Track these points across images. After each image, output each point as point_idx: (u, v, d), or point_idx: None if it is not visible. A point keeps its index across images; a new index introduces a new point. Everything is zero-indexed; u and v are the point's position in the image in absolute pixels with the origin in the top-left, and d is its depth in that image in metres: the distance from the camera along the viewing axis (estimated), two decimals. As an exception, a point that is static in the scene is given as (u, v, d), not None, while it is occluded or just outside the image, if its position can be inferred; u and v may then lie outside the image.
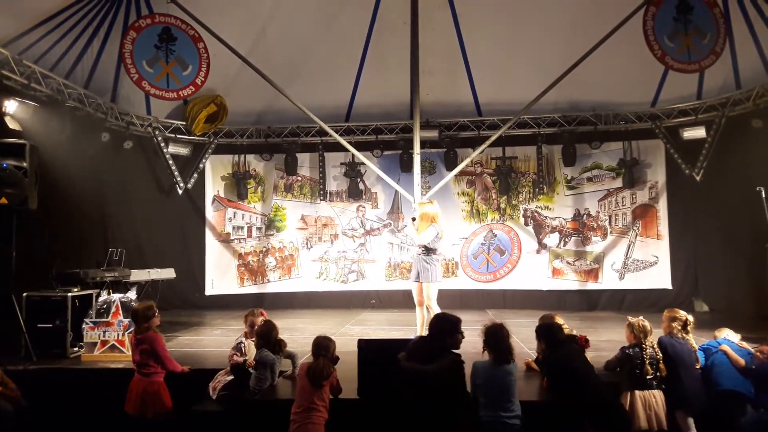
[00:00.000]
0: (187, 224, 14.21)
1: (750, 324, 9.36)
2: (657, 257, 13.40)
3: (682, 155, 12.87)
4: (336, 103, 13.59)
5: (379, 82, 13.16)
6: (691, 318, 6.06)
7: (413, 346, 5.21)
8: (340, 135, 12.15)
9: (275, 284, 14.42)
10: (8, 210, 7.88)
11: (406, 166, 13.25)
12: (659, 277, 13.31)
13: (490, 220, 14.17)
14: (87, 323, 7.71)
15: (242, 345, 6.37)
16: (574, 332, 6.25)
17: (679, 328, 5.94)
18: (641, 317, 5.94)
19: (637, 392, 5.63)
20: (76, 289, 8.20)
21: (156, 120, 13.18)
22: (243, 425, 5.65)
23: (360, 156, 12.05)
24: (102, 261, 10.14)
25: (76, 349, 7.91)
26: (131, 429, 5.92)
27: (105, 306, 7.83)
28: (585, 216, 13.84)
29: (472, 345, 6.17)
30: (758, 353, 5.91)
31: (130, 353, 6.74)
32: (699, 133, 12.57)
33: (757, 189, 8.98)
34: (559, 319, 6.31)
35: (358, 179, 14.08)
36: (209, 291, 14.13)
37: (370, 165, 12.06)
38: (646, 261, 13.47)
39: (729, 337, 6.32)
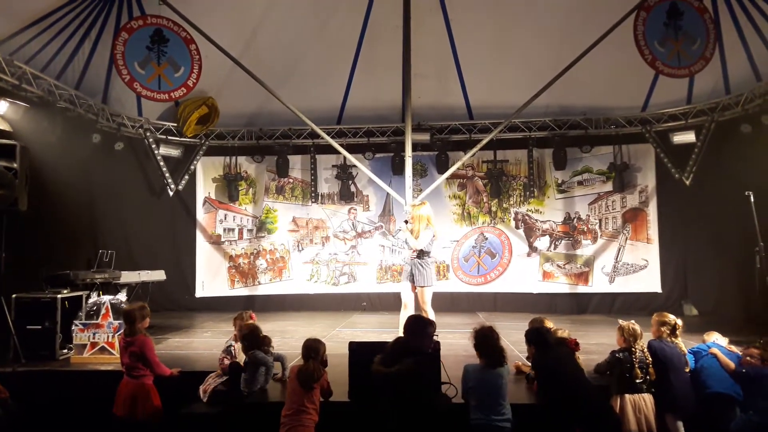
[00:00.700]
0: (177, 226, 14.17)
1: (738, 327, 9.40)
2: (647, 261, 13.47)
3: (672, 159, 12.94)
4: (328, 105, 13.60)
5: (371, 85, 13.18)
6: (680, 322, 6.08)
7: (387, 349, 5.19)
8: (332, 137, 12.14)
9: (266, 286, 14.39)
10: (-2, 211, 7.86)
11: (398, 169, 13.27)
12: (649, 281, 13.38)
13: (481, 223, 14.20)
14: (77, 325, 7.68)
15: (232, 348, 6.36)
16: (566, 333, 6.27)
17: (668, 332, 5.97)
18: (632, 321, 5.97)
19: (627, 396, 5.65)
20: (65, 291, 8.18)
21: (147, 121, 13.14)
22: (233, 428, 5.63)
23: (352, 158, 12.05)
24: (92, 262, 10.12)
25: (66, 350, 7.88)
26: (120, 431, 5.89)
27: (95, 308, 7.82)
28: (575, 219, 13.89)
29: (463, 348, 6.20)
30: (746, 356, 5.95)
31: (119, 355, 6.72)
32: (689, 137, 12.63)
33: (746, 193, 9.05)
34: (549, 323, 6.35)
35: (350, 182, 14.08)
36: (200, 293, 14.09)
37: (362, 167, 12.07)
38: (636, 264, 13.53)
39: (718, 341, 6.35)
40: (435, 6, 11.99)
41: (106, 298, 8.00)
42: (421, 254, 8.22)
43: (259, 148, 14.16)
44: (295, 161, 14.39)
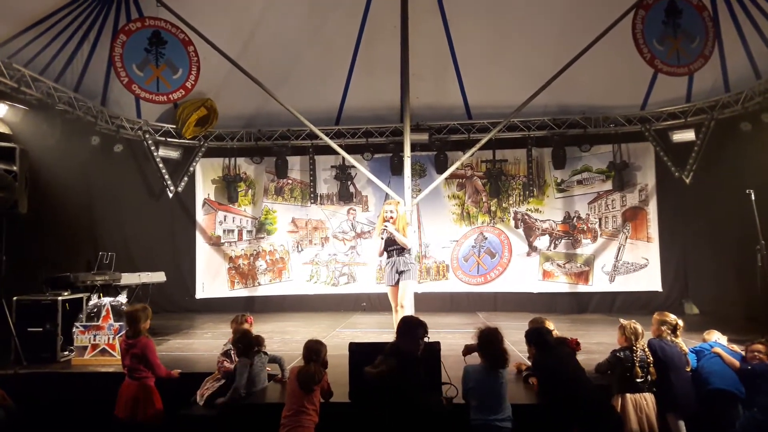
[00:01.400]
0: (177, 228, 14.17)
1: (739, 326, 9.41)
2: (647, 260, 13.47)
3: (672, 158, 12.94)
4: (326, 106, 13.61)
5: (369, 86, 13.19)
6: (681, 322, 6.08)
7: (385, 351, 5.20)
8: (331, 138, 12.14)
9: (266, 287, 14.39)
10: (-2, 214, 7.85)
11: (397, 169, 13.27)
12: (649, 280, 13.38)
13: (480, 222, 14.19)
14: (77, 327, 7.68)
15: (231, 351, 6.34)
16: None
17: (669, 331, 5.97)
18: (633, 320, 5.96)
19: (627, 395, 5.64)
20: (66, 293, 8.17)
21: (146, 123, 13.14)
22: (233, 429, 5.63)
23: (350, 159, 12.05)
24: (92, 264, 10.11)
25: (67, 353, 7.88)
26: (121, 433, 5.90)
27: (95, 310, 7.82)
28: (575, 219, 13.89)
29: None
30: (751, 352, 5.95)
31: (120, 357, 6.72)
32: (688, 136, 12.64)
33: (747, 191, 9.03)
34: (549, 324, 6.33)
35: (349, 182, 14.08)
36: (200, 294, 14.09)
37: (361, 168, 12.07)
38: (636, 263, 13.53)
39: (719, 341, 6.36)
40: (433, 6, 12.00)
41: (107, 300, 7.99)
42: (404, 251, 8.12)
43: (257, 149, 14.16)
44: (294, 162, 14.39)
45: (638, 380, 5.65)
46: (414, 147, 11.86)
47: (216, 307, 13.75)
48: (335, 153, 12.27)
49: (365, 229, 14.34)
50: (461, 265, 14.11)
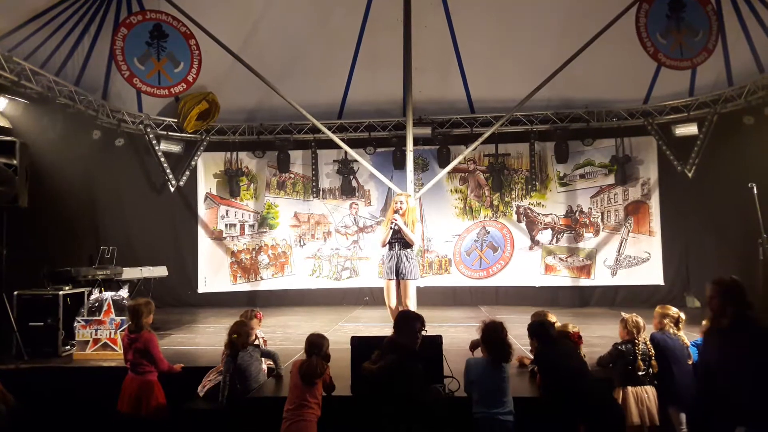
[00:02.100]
0: (179, 222, 14.17)
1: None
2: (649, 253, 13.45)
3: (675, 152, 12.89)
4: (329, 100, 13.58)
5: (371, 80, 13.15)
6: (682, 314, 6.07)
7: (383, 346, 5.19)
8: (333, 132, 12.11)
9: (268, 282, 14.39)
10: (-1, 208, 7.85)
11: (399, 164, 13.25)
12: (651, 274, 13.36)
13: (482, 217, 14.18)
14: (79, 321, 7.69)
15: None
16: (570, 326, 6.24)
17: (671, 324, 5.95)
18: (635, 314, 5.95)
19: (629, 388, 5.64)
20: (67, 288, 8.18)
21: (147, 117, 13.12)
22: (235, 423, 5.62)
23: (353, 153, 12.03)
24: (94, 259, 10.12)
25: (68, 347, 7.89)
26: (125, 427, 5.89)
27: (97, 304, 7.81)
28: (577, 213, 13.87)
29: (466, 342, 6.16)
30: None
31: (122, 351, 6.72)
32: (691, 129, 12.59)
33: (749, 185, 9.02)
34: (552, 317, 6.31)
35: (351, 176, 14.06)
36: (202, 289, 14.10)
37: (363, 162, 12.05)
38: (638, 257, 13.52)
39: None
40: (436, -1, 11.97)
41: (108, 295, 7.98)
42: (406, 246, 8.04)
43: (259, 143, 14.13)
44: (296, 156, 14.37)
45: (640, 373, 5.65)
46: (416, 141, 11.82)
47: (218, 301, 13.76)
48: (337, 147, 12.24)
49: (368, 223, 14.32)
50: (464, 259, 14.10)
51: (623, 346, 5.78)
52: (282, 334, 9.44)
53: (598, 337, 8.36)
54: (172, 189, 13.63)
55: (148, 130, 13.15)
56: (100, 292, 8.49)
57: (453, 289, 14.01)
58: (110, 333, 7.63)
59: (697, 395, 4.53)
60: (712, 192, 12.46)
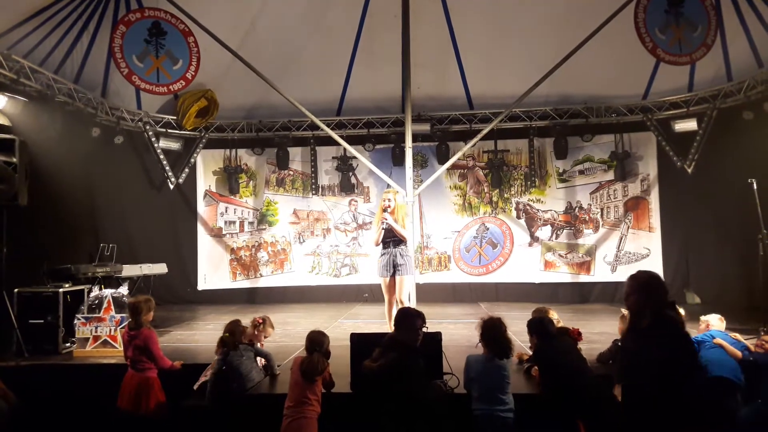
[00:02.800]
0: (178, 219, 14.17)
1: (741, 315, 9.40)
2: (649, 249, 13.46)
3: (674, 148, 12.90)
4: (327, 97, 13.57)
5: (370, 76, 13.13)
6: (682, 311, 6.05)
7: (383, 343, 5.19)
8: (332, 129, 12.10)
9: (268, 279, 14.40)
10: (-2, 206, 7.85)
11: (398, 160, 13.26)
12: (651, 270, 13.28)
13: (482, 213, 14.18)
14: (79, 319, 7.70)
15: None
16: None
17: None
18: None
19: (629, 384, 5.64)
20: (67, 285, 8.18)
21: (147, 115, 13.11)
22: (235, 420, 5.63)
23: (352, 150, 12.02)
24: (93, 256, 10.12)
25: (68, 344, 7.90)
26: (125, 424, 5.90)
27: (97, 301, 7.81)
28: (577, 209, 13.87)
29: (465, 338, 6.18)
30: (760, 344, 5.95)
31: (122, 349, 6.72)
32: (690, 125, 12.59)
33: (749, 181, 9.00)
34: (553, 314, 6.32)
35: (350, 173, 14.06)
36: (201, 286, 14.11)
37: (362, 159, 12.04)
38: (638, 253, 13.52)
39: (711, 322, 6.37)
40: (434, -5, 11.95)
41: (108, 292, 7.99)
42: (400, 243, 8.04)
43: (258, 140, 14.13)
44: (295, 153, 14.37)
45: (640, 370, 5.64)
46: (415, 137, 11.80)
47: (218, 298, 13.79)
48: (336, 144, 12.22)
49: (367, 220, 14.32)
50: (463, 255, 14.11)
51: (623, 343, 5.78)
52: (281, 331, 9.43)
53: (597, 333, 8.38)
54: (172, 186, 13.64)
55: (147, 127, 13.14)
56: (100, 289, 8.50)
57: (452, 285, 14.02)
58: (110, 330, 7.64)
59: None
60: (711, 188, 12.46)
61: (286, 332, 9.37)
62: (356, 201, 14.42)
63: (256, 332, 6.54)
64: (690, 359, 3.85)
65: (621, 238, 13.64)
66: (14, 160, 7.95)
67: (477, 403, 4.99)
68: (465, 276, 14.09)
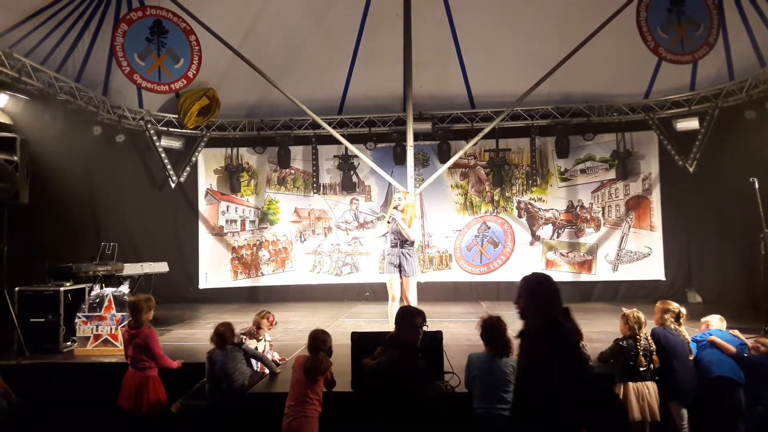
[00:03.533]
0: (180, 218, 14.17)
1: (743, 314, 9.39)
2: (650, 248, 13.44)
3: (676, 147, 12.87)
4: (329, 95, 13.57)
5: (371, 75, 13.14)
6: (683, 310, 6.05)
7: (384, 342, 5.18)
8: (333, 128, 12.11)
9: (269, 277, 14.40)
10: (-1, 204, 7.85)
11: (400, 159, 13.24)
12: (652, 269, 13.35)
13: (483, 212, 14.17)
14: (80, 317, 7.71)
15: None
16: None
17: (672, 319, 5.94)
18: (636, 309, 5.94)
19: (630, 384, 5.65)
20: (68, 284, 8.19)
21: (148, 113, 13.12)
22: (236, 418, 5.63)
23: (353, 149, 11.99)
24: (94, 255, 10.11)
25: (69, 343, 7.91)
26: (125, 423, 5.89)
27: (98, 300, 7.82)
28: (578, 208, 13.86)
29: (466, 337, 6.17)
30: (758, 346, 5.94)
31: (123, 347, 6.72)
32: (692, 124, 12.57)
33: (750, 180, 8.98)
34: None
35: (352, 172, 14.06)
36: (203, 284, 14.11)
37: (364, 158, 12.03)
38: (639, 252, 13.51)
39: (712, 323, 6.35)
40: (436, -6, 11.94)
41: (109, 291, 8.00)
42: (405, 243, 8.06)
43: (260, 139, 14.13)
44: (297, 152, 14.37)
45: (641, 369, 5.64)
46: (417, 136, 11.79)
47: (219, 297, 13.79)
48: (338, 143, 12.24)
49: (368, 219, 14.32)
50: (464, 254, 14.10)
51: (624, 342, 5.78)
52: (283, 330, 9.43)
53: (599, 332, 8.35)
54: (173, 185, 13.63)
55: (149, 126, 13.14)
56: (101, 288, 8.53)
57: (454, 284, 14.01)
58: (111, 329, 7.64)
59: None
60: (713, 187, 12.43)
61: (288, 331, 9.37)
62: (357, 200, 14.41)
63: (256, 329, 6.56)
64: (575, 369, 3.65)
65: (622, 237, 13.62)
66: (15, 158, 7.95)
67: (478, 401, 4.97)
68: (466, 275, 14.08)
